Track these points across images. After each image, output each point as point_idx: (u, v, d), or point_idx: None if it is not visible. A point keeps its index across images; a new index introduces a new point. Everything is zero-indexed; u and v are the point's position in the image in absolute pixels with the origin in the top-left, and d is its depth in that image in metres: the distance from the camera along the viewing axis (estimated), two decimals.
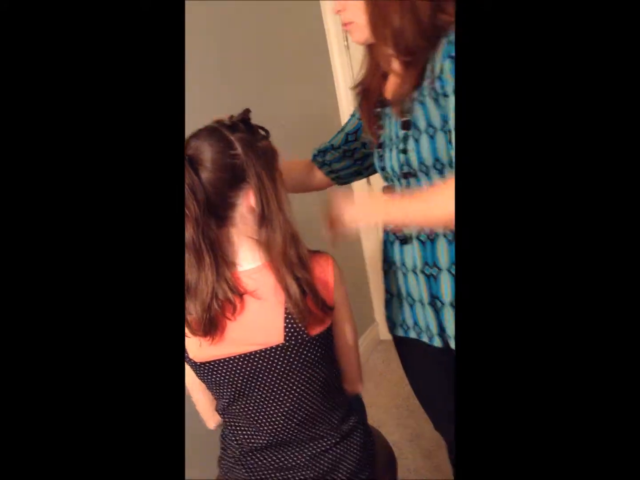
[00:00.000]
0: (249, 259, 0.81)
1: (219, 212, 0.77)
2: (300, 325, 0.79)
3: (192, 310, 0.76)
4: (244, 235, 0.81)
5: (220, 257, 0.77)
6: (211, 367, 0.82)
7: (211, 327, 0.77)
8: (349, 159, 1.12)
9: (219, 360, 0.81)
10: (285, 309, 0.79)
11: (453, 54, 0.78)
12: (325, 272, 0.84)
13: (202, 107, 1.33)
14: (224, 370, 0.81)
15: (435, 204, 0.80)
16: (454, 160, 0.82)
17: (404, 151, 0.89)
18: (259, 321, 0.80)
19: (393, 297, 1.01)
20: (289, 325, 0.79)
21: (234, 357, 0.80)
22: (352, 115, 1.11)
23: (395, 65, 0.91)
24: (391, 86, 0.95)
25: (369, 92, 0.99)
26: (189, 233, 0.74)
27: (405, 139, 0.88)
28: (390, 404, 1.93)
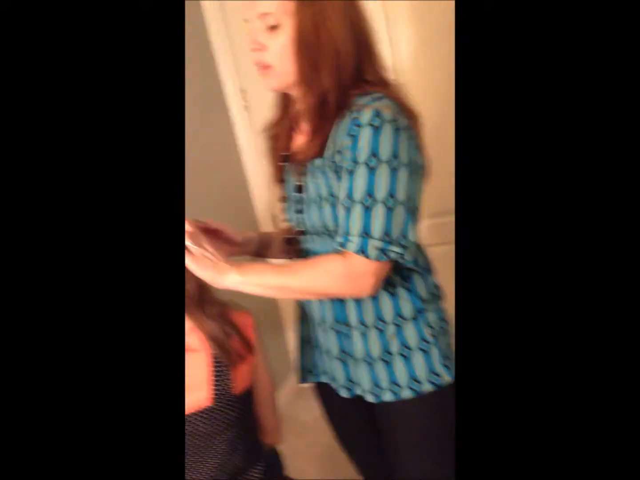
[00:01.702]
0: None
1: None
2: (225, 386, 0.81)
3: None
4: None
5: None
6: None
7: None
8: None
9: None
10: (212, 370, 0.81)
11: (353, 132, 0.78)
12: (245, 323, 0.88)
13: None
14: None
15: (294, 277, 0.81)
16: (340, 228, 0.81)
17: (299, 212, 0.92)
18: (187, 384, 0.80)
19: (305, 344, 1.02)
20: (217, 386, 0.81)
21: None
22: None
23: (305, 125, 0.89)
24: (297, 144, 0.93)
25: (277, 141, 0.96)
26: None
27: (299, 201, 0.90)
28: (311, 452, 1.94)
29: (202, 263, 0.78)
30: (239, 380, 0.84)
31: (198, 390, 0.81)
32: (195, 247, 0.78)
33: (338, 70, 0.80)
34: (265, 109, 1.69)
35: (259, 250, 1.04)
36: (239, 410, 0.84)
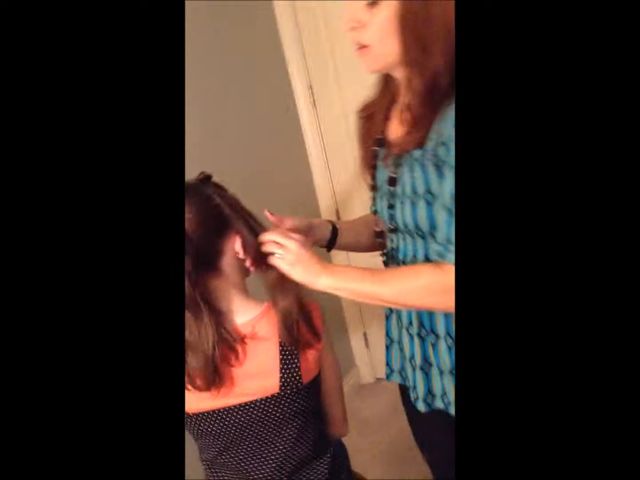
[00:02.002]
0: (243, 312, 0.85)
1: (209, 262, 0.81)
2: (294, 373, 0.82)
3: (194, 364, 0.78)
4: (233, 286, 0.85)
5: (217, 310, 0.80)
6: (203, 418, 0.83)
7: (215, 379, 0.79)
8: None
9: (212, 411, 0.83)
10: (280, 358, 0.82)
11: None
12: (314, 312, 0.88)
13: None
14: (217, 422, 0.83)
15: (386, 287, 0.78)
16: (439, 234, 0.76)
17: (391, 207, 0.86)
18: (255, 371, 0.82)
19: (393, 343, 0.98)
20: (285, 374, 0.82)
21: (229, 408, 0.82)
22: None
23: (406, 110, 0.80)
24: (393, 130, 0.86)
25: (371, 123, 0.91)
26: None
27: (392, 194, 0.85)
28: (374, 450, 1.93)
29: (295, 265, 0.80)
30: (307, 369, 0.84)
31: (267, 377, 0.82)
32: (286, 249, 0.79)
33: (450, 51, 0.69)
34: (332, 105, 1.67)
35: (332, 240, 1.02)
36: (307, 399, 0.85)
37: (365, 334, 2.32)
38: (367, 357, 2.33)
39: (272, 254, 0.82)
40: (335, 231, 1.03)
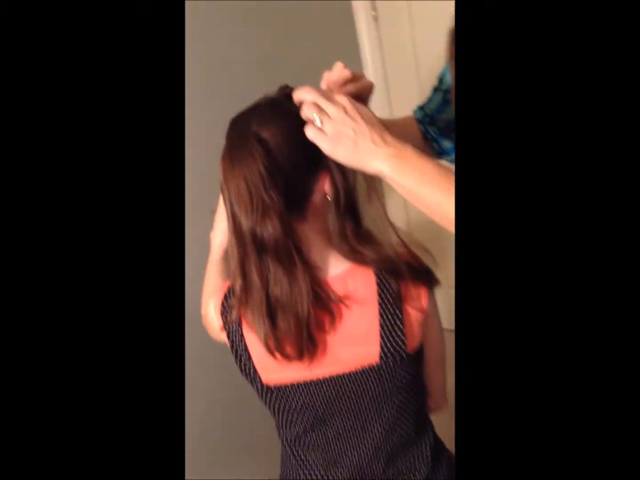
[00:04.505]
0: (332, 262, 0.68)
1: (298, 203, 0.64)
2: (397, 340, 0.66)
3: (285, 327, 0.62)
4: (320, 233, 0.67)
5: (310, 264, 0.64)
6: (287, 391, 0.69)
7: (309, 346, 0.64)
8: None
9: (299, 383, 0.68)
10: (380, 321, 0.66)
11: None
12: (417, 260, 0.71)
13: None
14: (302, 395, 0.69)
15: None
16: None
17: None
18: (351, 337, 0.67)
19: None
20: (386, 340, 0.66)
21: (319, 380, 0.67)
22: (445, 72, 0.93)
23: None
24: None
25: None
26: (274, 231, 0.60)
27: None
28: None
29: (335, 139, 0.59)
30: (411, 335, 0.68)
31: (364, 344, 0.67)
32: (324, 115, 0.60)
33: None
34: (396, 20, 1.44)
35: None
36: (411, 370, 0.70)
37: None
38: None
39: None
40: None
